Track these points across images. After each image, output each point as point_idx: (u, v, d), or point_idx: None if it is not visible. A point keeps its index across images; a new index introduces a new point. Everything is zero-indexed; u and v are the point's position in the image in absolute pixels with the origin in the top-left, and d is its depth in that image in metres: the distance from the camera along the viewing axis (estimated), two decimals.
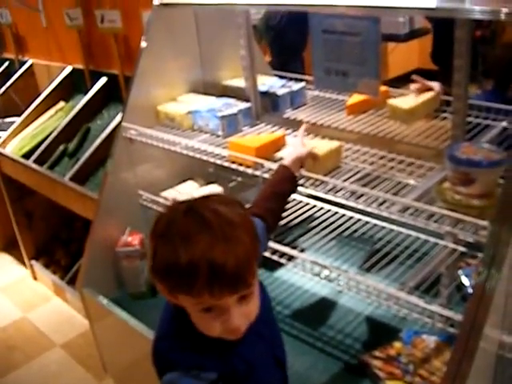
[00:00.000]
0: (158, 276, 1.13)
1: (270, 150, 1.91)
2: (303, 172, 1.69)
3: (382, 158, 1.80)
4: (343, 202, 1.65)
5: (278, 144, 1.95)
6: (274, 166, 1.73)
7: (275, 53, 4.53)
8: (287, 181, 1.62)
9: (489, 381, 1.39)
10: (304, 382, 1.80)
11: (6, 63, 4.32)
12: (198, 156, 1.99)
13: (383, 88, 2.16)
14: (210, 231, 1.07)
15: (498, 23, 4.53)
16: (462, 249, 1.83)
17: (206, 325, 1.14)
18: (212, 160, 1.95)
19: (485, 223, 1.33)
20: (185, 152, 2.04)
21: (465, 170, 1.42)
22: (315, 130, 2.07)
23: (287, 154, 1.71)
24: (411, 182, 1.65)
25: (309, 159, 1.70)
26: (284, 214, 2.12)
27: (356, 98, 2.14)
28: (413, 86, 2.05)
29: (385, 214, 1.55)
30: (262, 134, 2.10)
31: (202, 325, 1.15)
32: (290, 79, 2.43)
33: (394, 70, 4.95)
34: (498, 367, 1.38)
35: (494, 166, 1.41)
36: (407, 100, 1.99)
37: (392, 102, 2.01)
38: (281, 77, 2.48)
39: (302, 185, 1.72)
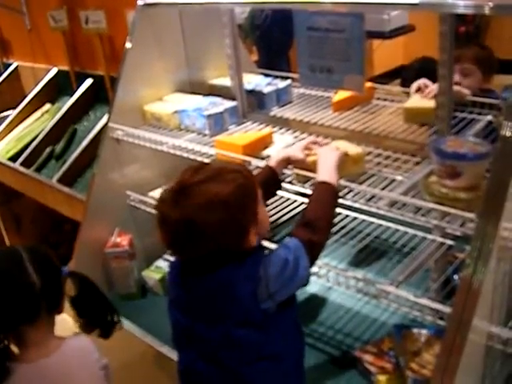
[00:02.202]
0: (245, 210, 1.37)
1: (257, 148, 1.91)
2: (291, 170, 1.70)
3: (368, 153, 1.80)
4: None
5: (265, 141, 1.96)
6: (262, 163, 1.74)
7: (261, 51, 4.53)
8: (270, 182, 1.67)
9: (479, 372, 1.40)
10: None
11: None
12: (185, 155, 1.99)
13: (368, 84, 2.17)
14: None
15: (482, 18, 4.56)
16: (449, 242, 1.84)
17: (266, 217, 1.53)
18: (199, 159, 1.94)
19: (472, 216, 1.34)
20: (172, 151, 2.03)
21: (451, 163, 1.43)
22: (302, 127, 2.07)
23: (275, 153, 1.72)
24: (398, 177, 1.66)
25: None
26: (273, 212, 2.14)
27: (342, 94, 2.15)
28: (415, 86, 2.06)
29: (373, 209, 1.56)
30: (248, 132, 2.10)
31: (266, 219, 1.52)
32: (276, 77, 2.43)
33: (379, 67, 4.97)
34: (488, 358, 1.39)
35: (480, 159, 1.42)
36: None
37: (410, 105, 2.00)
38: (266, 75, 2.48)
39: (289, 182, 1.72)
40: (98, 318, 1.62)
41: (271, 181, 1.67)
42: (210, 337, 1.41)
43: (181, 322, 1.48)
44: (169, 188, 1.39)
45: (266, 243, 1.84)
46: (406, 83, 2.60)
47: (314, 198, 1.52)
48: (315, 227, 1.44)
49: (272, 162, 1.69)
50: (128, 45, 2.20)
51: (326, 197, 1.51)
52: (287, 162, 1.69)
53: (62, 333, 1.59)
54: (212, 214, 1.32)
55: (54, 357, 1.49)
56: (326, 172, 1.54)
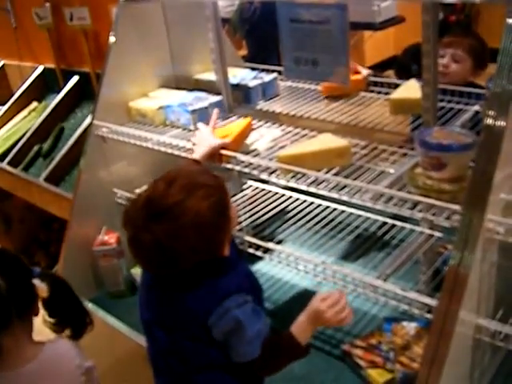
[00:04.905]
0: (218, 228, 1.36)
1: (240, 141, 1.89)
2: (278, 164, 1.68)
3: (355, 145, 1.78)
4: (318, 192, 1.64)
5: (246, 132, 1.94)
6: (246, 158, 1.72)
7: (250, 45, 4.50)
8: None
9: (467, 364, 1.39)
10: (285, 374, 1.77)
11: None
12: (170, 151, 1.97)
13: (358, 76, 2.15)
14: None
15: (472, 7, 4.54)
16: (437, 234, 1.82)
17: (235, 216, 1.55)
18: (184, 155, 1.92)
19: (457, 207, 1.32)
20: (157, 148, 2.01)
21: (436, 154, 1.41)
22: (288, 120, 2.05)
23: (198, 147, 1.81)
24: (385, 169, 1.64)
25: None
26: (260, 206, 2.13)
27: None
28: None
29: (359, 202, 1.54)
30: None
31: (235, 218, 1.55)
32: (262, 70, 2.41)
33: (370, 58, 4.95)
34: (477, 351, 1.38)
35: (464, 150, 1.41)
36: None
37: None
38: (253, 68, 2.46)
39: (272, 174, 1.71)
40: (69, 317, 1.56)
41: None
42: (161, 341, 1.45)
43: (143, 316, 1.51)
44: (138, 205, 1.36)
45: (247, 238, 1.83)
46: (401, 73, 2.58)
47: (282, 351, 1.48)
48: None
49: (197, 156, 1.76)
50: (111, 41, 2.18)
51: (288, 353, 1.50)
52: (212, 153, 1.77)
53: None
54: (186, 239, 1.30)
55: (30, 365, 1.44)
56: (302, 325, 1.44)
